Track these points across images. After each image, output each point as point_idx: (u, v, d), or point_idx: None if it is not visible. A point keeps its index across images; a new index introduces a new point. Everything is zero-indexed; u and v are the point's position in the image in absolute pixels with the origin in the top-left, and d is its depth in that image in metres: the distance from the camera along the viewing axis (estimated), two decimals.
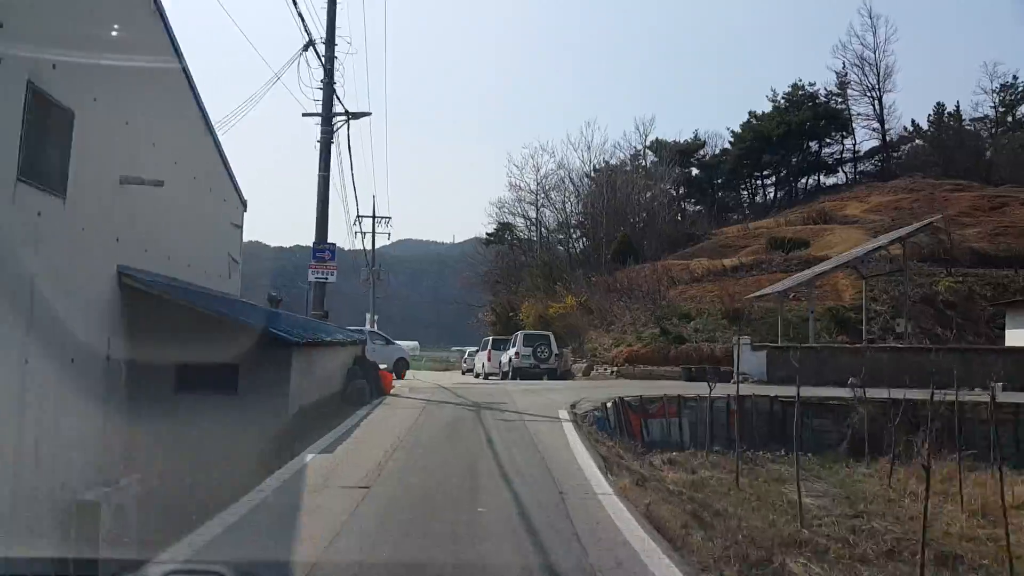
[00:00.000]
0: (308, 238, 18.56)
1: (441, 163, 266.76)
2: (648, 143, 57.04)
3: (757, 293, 26.04)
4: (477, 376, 35.14)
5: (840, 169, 62.95)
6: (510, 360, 28.08)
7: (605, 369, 25.71)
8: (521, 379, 27.91)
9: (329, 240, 17.95)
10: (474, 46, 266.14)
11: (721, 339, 26.62)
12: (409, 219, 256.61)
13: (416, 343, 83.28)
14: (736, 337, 21.41)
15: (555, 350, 27.75)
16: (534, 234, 53.36)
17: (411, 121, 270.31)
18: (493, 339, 33.35)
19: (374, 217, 48.54)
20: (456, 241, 56.61)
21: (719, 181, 62.08)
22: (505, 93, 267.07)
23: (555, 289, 36.90)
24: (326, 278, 17.67)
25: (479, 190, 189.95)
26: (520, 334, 28.33)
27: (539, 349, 27.44)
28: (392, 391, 16.92)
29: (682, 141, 56.76)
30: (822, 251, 34.39)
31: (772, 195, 64.53)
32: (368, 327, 46.08)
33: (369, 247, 47.71)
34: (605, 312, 31.10)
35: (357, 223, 47.83)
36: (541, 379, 28.23)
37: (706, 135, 61.44)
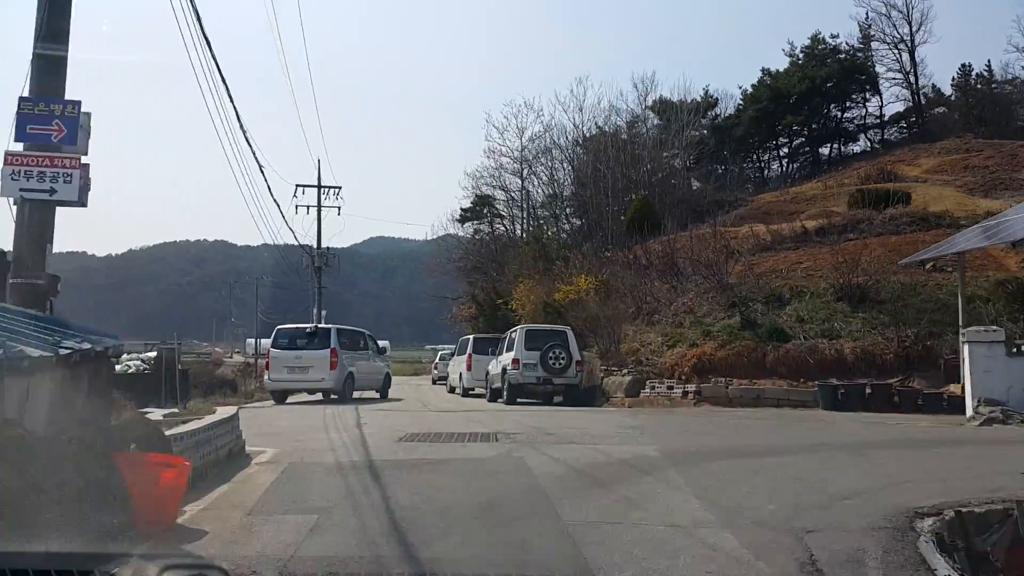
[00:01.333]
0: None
1: (412, 153, 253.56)
2: (649, 103, 46.11)
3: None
4: (452, 390, 24.01)
5: (864, 135, 52.74)
6: (504, 371, 17.01)
7: (667, 387, 14.77)
8: (521, 399, 16.93)
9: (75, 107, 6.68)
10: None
11: (844, 332, 15.89)
12: (381, 216, 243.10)
13: (387, 342, 71.86)
14: (969, 329, 10.52)
15: (576, 355, 16.75)
16: (518, 209, 42.32)
17: (380, 107, 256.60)
18: (475, 338, 22.22)
19: (319, 187, 37.20)
20: (429, 238, 45.33)
21: (725, 153, 51.26)
22: (485, 60, 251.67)
23: (553, 269, 25.89)
24: (48, 192, 6.40)
25: (452, 180, 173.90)
26: (521, 331, 17.22)
27: (552, 354, 16.40)
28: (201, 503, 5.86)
29: (689, 101, 45.85)
30: (929, 207, 23.78)
31: (785, 166, 54.11)
32: (314, 325, 34.76)
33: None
34: (640, 295, 20.18)
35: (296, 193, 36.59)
36: (552, 400, 17.27)
37: (716, 94, 50.54)
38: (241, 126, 20.93)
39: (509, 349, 17.18)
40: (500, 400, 17.53)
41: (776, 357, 15.39)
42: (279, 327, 19.26)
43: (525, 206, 41.69)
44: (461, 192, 62.94)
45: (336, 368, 16.83)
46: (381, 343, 38.44)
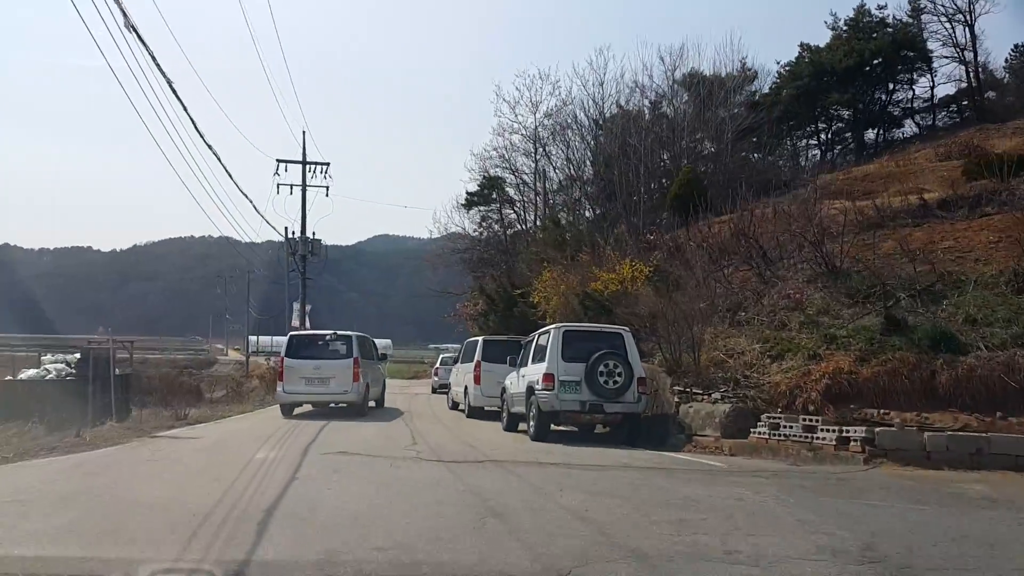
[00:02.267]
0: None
1: (417, 147, 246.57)
2: (678, 78, 40.18)
3: None
4: (456, 406, 18.33)
5: (912, 119, 46.86)
6: (531, 391, 11.33)
7: (803, 426, 9.08)
8: (556, 426, 11.42)
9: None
10: None
11: None
12: (380, 203, 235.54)
13: (389, 341, 66.14)
14: None
15: (639, 370, 11.10)
16: (531, 193, 36.61)
17: (384, 102, 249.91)
18: (486, 341, 16.55)
19: (304, 163, 31.62)
20: (435, 236, 39.69)
21: (765, 136, 45.34)
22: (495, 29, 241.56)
23: (580, 256, 20.23)
24: None
25: (458, 172, 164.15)
26: (556, 333, 11.41)
27: (604, 367, 10.72)
28: None
29: (724, 75, 40.05)
30: None
31: (823, 152, 48.20)
32: (297, 325, 29.26)
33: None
34: (704, 284, 14.50)
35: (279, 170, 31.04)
36: (593, 430, 11.75)
37: (753, 67, 44.42)
38: (183, 106, 15.39)
39: (538, 359, 11.54)
40: (523, 429, 12.00)
41: (952, 377, 9.77)
42: (292, 333, 17.63)
43: (541, 190, 35.98)
44: (467, 175, 56.71)
45: (359, 379, 15.33)
46: (382, 343, 33.04)
